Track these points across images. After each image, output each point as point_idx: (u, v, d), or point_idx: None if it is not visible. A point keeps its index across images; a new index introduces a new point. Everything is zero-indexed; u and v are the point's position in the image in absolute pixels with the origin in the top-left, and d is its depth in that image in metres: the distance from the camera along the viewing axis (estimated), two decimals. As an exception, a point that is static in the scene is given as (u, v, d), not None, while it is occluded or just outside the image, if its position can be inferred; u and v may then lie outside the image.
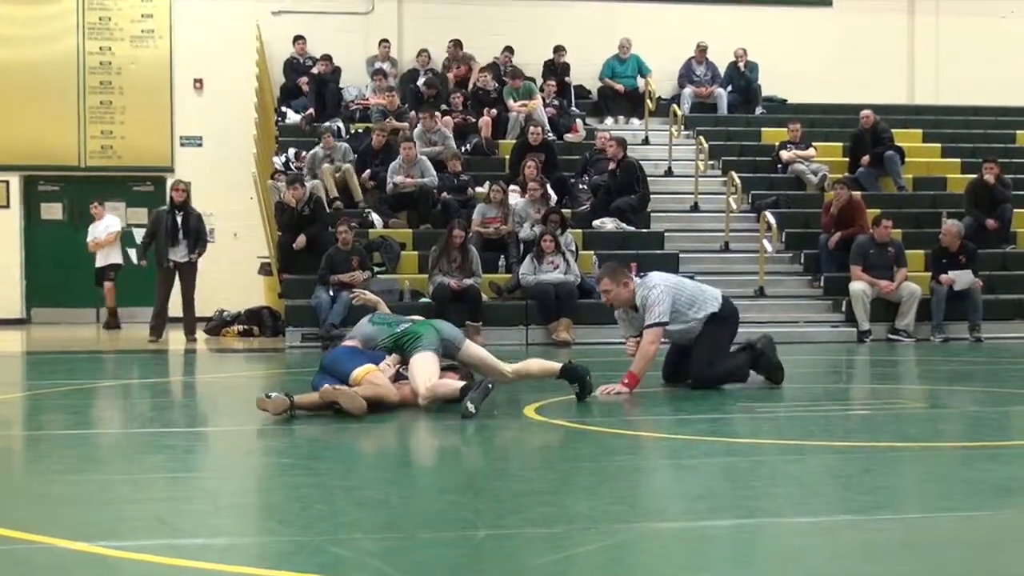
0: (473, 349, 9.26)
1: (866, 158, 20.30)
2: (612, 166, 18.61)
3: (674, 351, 10.36)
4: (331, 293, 15.86)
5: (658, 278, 9.98)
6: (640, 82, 22.85)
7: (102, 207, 20.63)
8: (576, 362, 9.27)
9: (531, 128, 19.32)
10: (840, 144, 21.22)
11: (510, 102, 21.11)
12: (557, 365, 9.30)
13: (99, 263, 20.27)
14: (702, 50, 23.22)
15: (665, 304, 9.72)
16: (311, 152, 18.97)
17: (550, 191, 18.12)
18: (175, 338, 17.29)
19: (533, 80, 21.83)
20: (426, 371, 8.66)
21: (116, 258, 20.26)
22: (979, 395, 10.62)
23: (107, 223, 20.31)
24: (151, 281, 17.79)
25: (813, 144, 21.02)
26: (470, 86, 21.86)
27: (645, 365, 9.66)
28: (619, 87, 22.93)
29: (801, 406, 9.13)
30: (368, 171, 18.72)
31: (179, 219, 17.17)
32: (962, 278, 16.81)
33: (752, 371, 10.16)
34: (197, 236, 17.28)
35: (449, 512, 5.42)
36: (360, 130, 20.18)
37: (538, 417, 8.35)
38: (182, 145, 22.54)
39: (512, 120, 20.83)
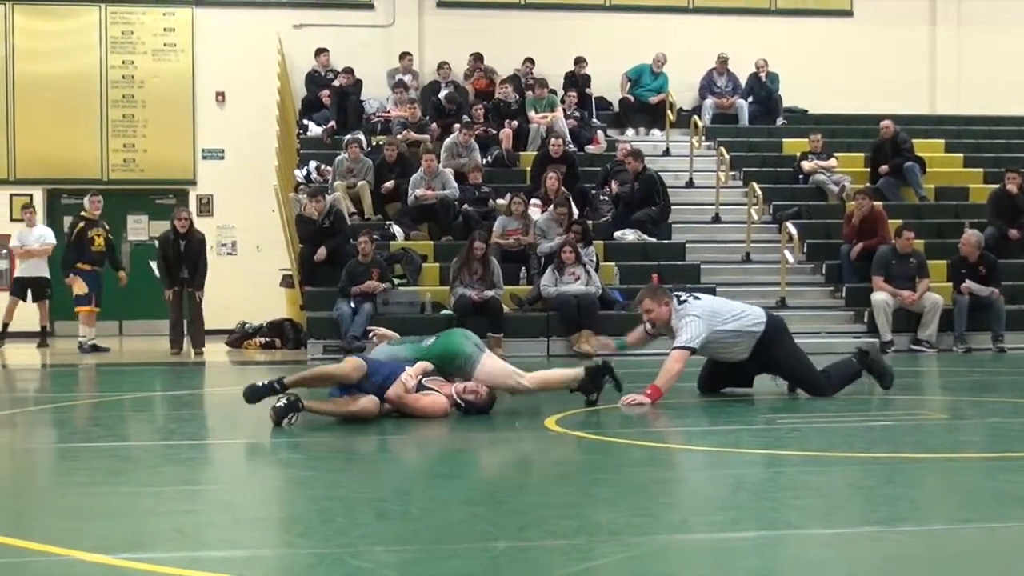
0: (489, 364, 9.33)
1: (885, 168, 20.27)
2: (632, 178, 18.64)
3: (710, 362, 10.35)
4: (352, 305, 15.89)
5: (695, 308, 9.88)
6: (655, 98, 22.81)
7: (34, 213, 20.22)
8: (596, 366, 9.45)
9: (552, 140, 19.33)
10: (862, 154, 21.18)
11: (531, 113, 21.13)
12: (578, 370, 9.41)
13: (22, 273, 19.29)
14: (723, 61, 23.20)
15: (696, 330, 9.70)
16: (337, 159, 19.02)
17: (573, 204, 18.09)
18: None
19: (555, 92, 21.84)
20: (506, 368, 9.29)
21: (43, 271, 19.35)
22: (1002, 406, 10.57)
23: (41, 232, 19.62)
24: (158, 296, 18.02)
25: (834, 154, 20.99)
26: (493, 98, 21.86)
27: (669, 382, 9.64)
28: (631, 98, 22.90)
29: (823, 417, 9.10)
30: (388, 184, 18.75)
31: (182, 246, 17.26)
32: (981, 291, 16.77)
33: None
34: (196, 260, 17.41)
35: (469, 524, 5.41)
36: (381, 143, 20.20)
37: (559, 429, 8.34)
38: (204, 158, 22.62)
39: (533, 131, 20.83)
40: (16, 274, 19.60)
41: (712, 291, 17.21)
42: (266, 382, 8.49)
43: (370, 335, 10.78)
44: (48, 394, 12.76)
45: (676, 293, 10.20)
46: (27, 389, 13.46)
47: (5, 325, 19.19)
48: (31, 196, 22.09)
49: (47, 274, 19.38)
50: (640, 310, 10.12)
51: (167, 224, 21.23)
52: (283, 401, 8.32)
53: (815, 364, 10.41)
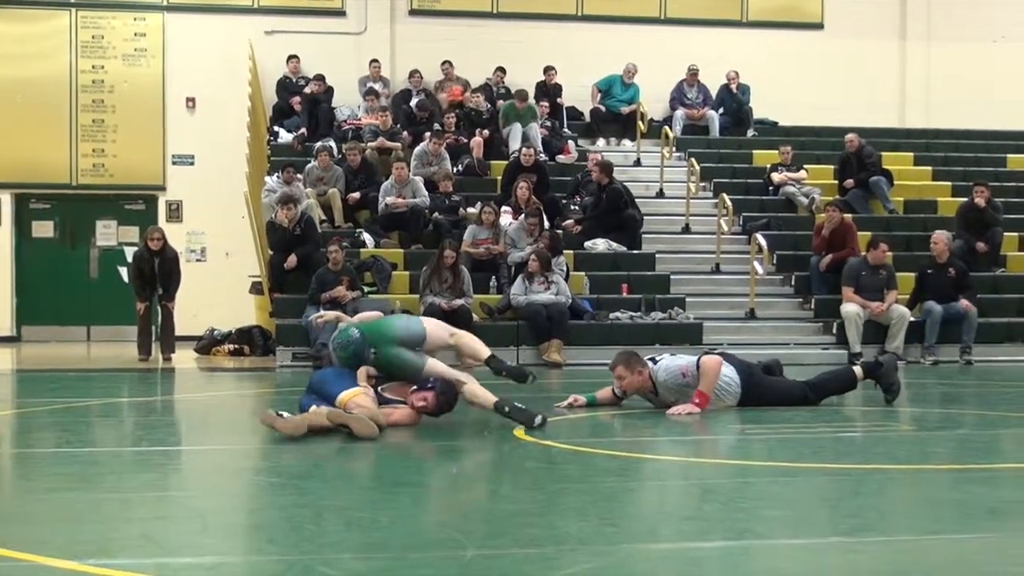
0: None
1: (850, 181, 20.36)
2: (597, 190, 18.66)
3: None
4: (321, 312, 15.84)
5: (667, 357, 10.11)
6: (626, 108, 22.87)
7: None
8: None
9: (524, 149, 19.34)
10: (831, 167, 21.23)
11: (502, 123, 21.07)
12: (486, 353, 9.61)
13: None
14: (694, 73, 23.25)
15: (689, 357, 9.96)
16: (307, 167, 18.99)
17: (543, 213, 18.09)
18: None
19: (526, 96, 21.73)
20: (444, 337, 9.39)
21: None
22: (969, 417, 10.63)
23: None
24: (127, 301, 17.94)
25: (804, 166, 21.06)
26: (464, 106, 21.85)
27: (711, 384, 9.74)
28: (602, 108, 22.94)
29: (791, 428, 9.13)
30: (354, 194, 18.77)
31: (156, 264, 17.23)
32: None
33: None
34: (170, 277, 17.41)
35: (438, 532, 5.41)
36: (345, 149, 20.11)
37: (528, 438, 8.34)
38: (174, 163, 22.54)
39: (513, 130, 20.67)
40: None
41: (681, 302, 17.34)
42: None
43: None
44: (16, 399, 12.68)
45: (650, 356, 10.16)
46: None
47: None
48: (-2, 200, 22.03)
49: None
50: (613, 374, 10.01)
51: (136, 230, 21.29)
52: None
53: (793, 378, 10.71)
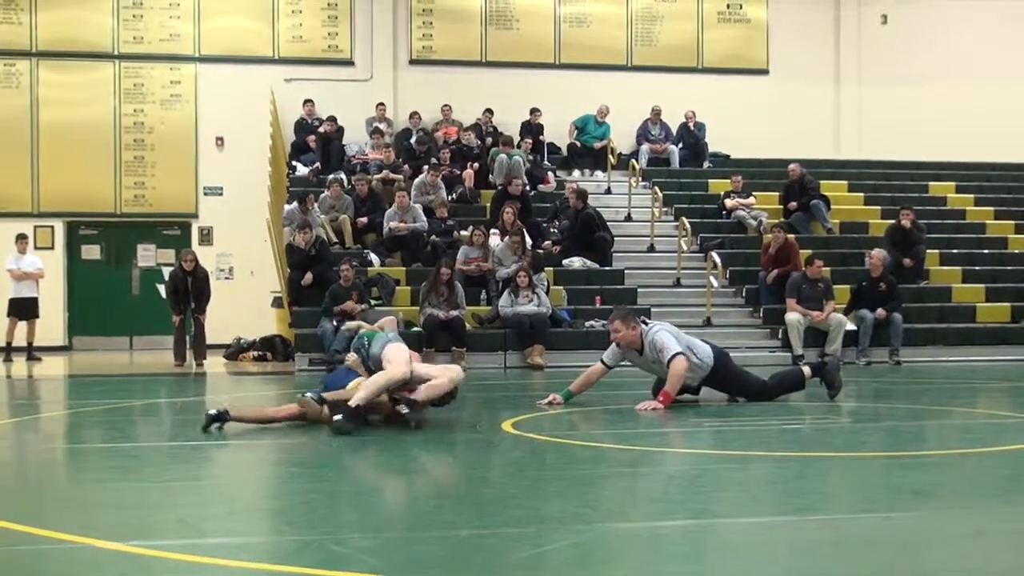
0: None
1: (793, 204, 20.40)
2: (573, 215, 18.67)
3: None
4: (335, 323, 15.81)
5: (659, 324, 10.23)
6: (598, 144, 22.86)
7: (27, 243, 19.58)
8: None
9: (512, 180, 19.34)
10: (776, 193, 21.25)
11: (489, 160, 20.98)
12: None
13: (17, 294, 18.96)
14: (656, 113, 23.29)
15: (672, 341, 9.95)
16: (321, 196, 19.00)
17: (526, 235, 18.08)
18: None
19: (515, 146, 21.67)
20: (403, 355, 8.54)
21: (35, 292, 19.13)
22: (897, 411, 10.65)
23: (32, 259, 19.36)
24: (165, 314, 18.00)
25: (753, 193, 21.08)
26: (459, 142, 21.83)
27: (675, 385, 9.78)
28: (578, 143, 22.93)
29: (743, 421, 9.14)
30: (362, 219, 18.78)
31: (189, 282, 17.23)
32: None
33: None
34: (201, 293, 17.40)
35: (436, 514, 5.40)
36: (354, 180, 20.10)
37: (514, 431, 8.34)
38: (205, 194, 22.50)
39: (501, 163, 20.61)
40: (10, 296, 19.11)
41: (648, 312, 17.32)
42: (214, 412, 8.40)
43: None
44: (68, 401, 12.65)
45: (644, 320, 10.32)
46: (49, 397, 13.33)
47: (8, 343, 18.75)
48: (52, 227, 21.95)
49: (37, 295, 19.25)
50: (610, 327, 10.17)
51: (172, 252, 21.25)
52: (213, 411, 8.39)
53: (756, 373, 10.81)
